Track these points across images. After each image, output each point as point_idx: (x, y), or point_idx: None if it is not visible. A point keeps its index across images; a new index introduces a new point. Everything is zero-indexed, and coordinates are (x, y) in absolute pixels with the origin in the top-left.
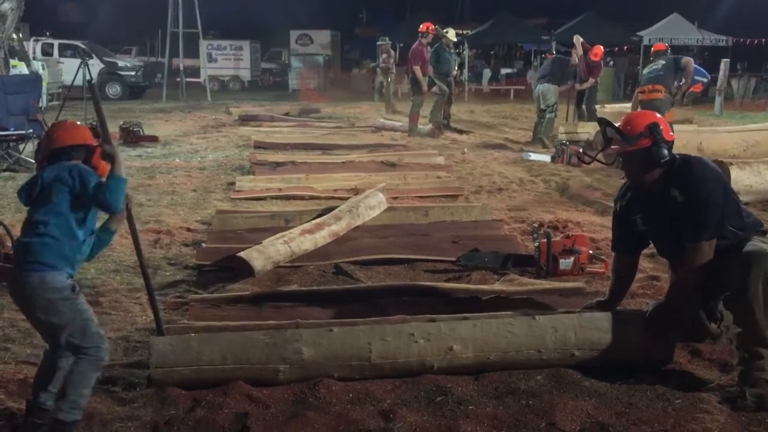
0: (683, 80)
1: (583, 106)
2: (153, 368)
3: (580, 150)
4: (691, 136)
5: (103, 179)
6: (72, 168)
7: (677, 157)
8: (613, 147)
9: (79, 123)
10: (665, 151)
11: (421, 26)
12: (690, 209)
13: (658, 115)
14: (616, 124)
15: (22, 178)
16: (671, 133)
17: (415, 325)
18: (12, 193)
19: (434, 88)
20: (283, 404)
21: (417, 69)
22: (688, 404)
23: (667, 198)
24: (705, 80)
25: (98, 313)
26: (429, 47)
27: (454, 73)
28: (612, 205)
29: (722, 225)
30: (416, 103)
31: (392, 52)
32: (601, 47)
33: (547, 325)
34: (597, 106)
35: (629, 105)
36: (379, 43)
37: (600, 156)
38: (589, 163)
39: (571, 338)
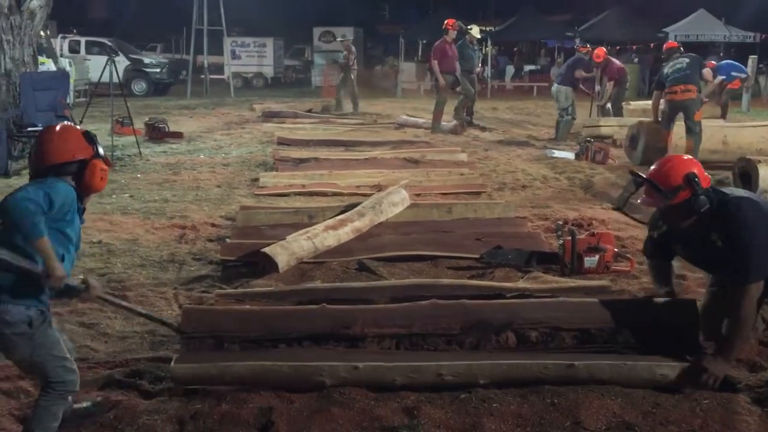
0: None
1: (608, 105)
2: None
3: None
4: (715, 130)
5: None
6: (40, 187)
7: (714, 200)
8: (646, 199)
9: (70, 126)
10: (704, 201)
11: (445, 23)
12: (732, 253)
13: (690, 159)
14: (649, 173)
15: None
16: (706, 176)
17: (446, 365)
18: None
19: (458, 88)
20: (307, 399)
21: (434, 63)
22: (717, 405)
23: (706, 241)
24: (743, 76)
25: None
26: (454, 44)
27: (477, 69)
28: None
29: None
30: (440, 101)
31: (353, 49)
32: (603, 48)
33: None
34: (623, 104)
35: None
36: (339, 39)
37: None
38: (621, 208)
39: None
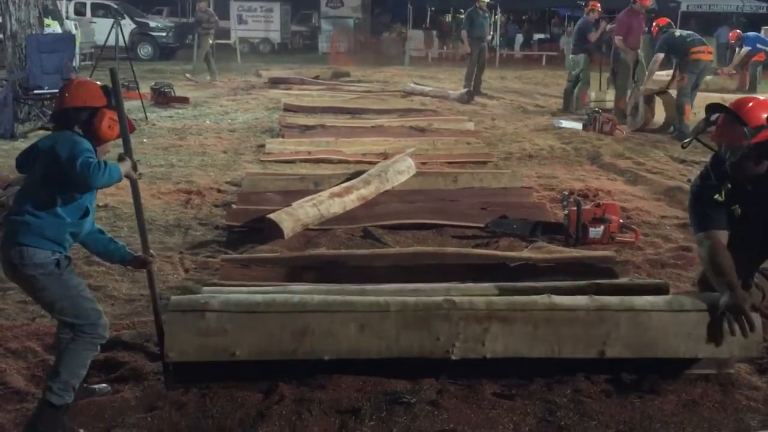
0: None
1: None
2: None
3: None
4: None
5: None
6: (68, 139)
7: None
8: (724, 134)
9: (88, 80)
10: None
11: None
12: None
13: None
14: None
15: None
16: None
17: (454, 287)
18: None
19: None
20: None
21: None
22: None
23: None
24: None
25: (131, 271)
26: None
27: (488, 37)
28: (644, 175)
29: None
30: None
31: (211, 12)
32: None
33: None
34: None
35: (665, 73)
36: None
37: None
38: (685, 147)
39: None
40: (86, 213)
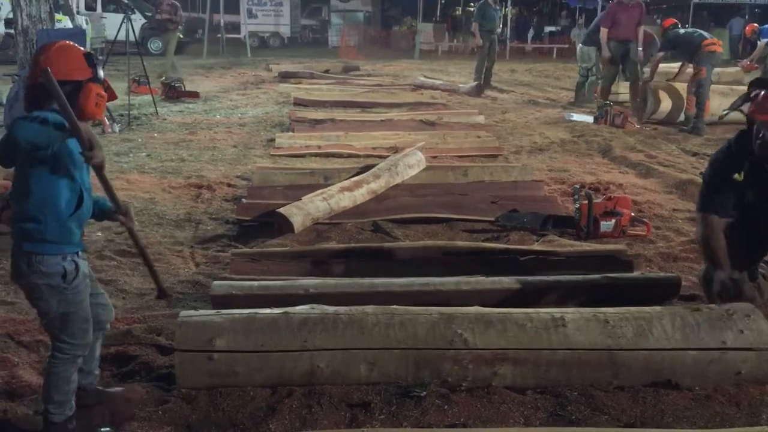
0: None
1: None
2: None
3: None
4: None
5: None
6: (34, 119)
7: None
8: (761, 107)
9: (70, 44)
10: None
11: None
12: None
13: None
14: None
15: None
16: None
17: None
18: None
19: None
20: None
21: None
22: None
23: None
24: None
25: (141, 265)
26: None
27: (498, 30)
28: (656, 168)
29: None
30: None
31: (176, 4)
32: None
33: None
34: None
35: (674, 65)
36: None
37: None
38: (721, 118)
39: None
40: (81, 199)
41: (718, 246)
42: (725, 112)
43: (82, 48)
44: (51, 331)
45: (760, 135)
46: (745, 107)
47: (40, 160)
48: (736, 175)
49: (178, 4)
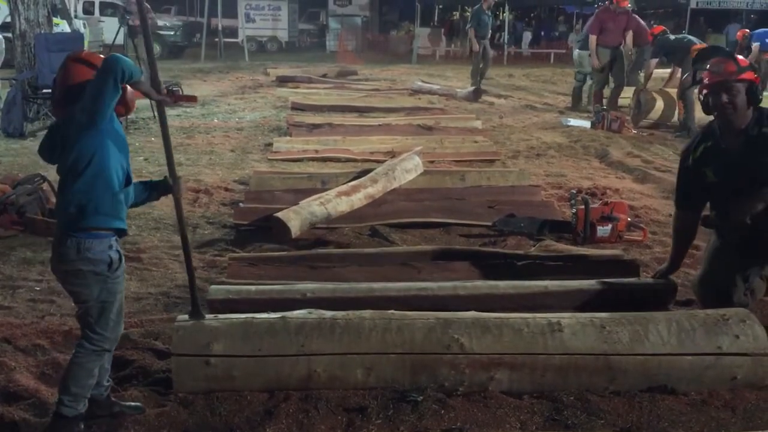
0: None
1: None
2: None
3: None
4: None
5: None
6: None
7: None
8: (718, 65)
9: (94, 53)
10: (760, 92)
11: None
12: None
13: None
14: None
15: None
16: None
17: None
18: None
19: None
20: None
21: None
22: None
23: (761, 139)
24: None
25: (139, 270)
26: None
27: (488, 35)
28: (653, 173)
29: None
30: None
31: (149, 8)
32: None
33: None
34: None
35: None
36: None
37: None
38: (687, 87)
39: None
40: (129, 179)
41: (673, 243)
42: (687, 86)
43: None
44: (86, 319)
45: (699, 135)
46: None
47: (101, 126)
48: (690, 157)
49: (147, 5)
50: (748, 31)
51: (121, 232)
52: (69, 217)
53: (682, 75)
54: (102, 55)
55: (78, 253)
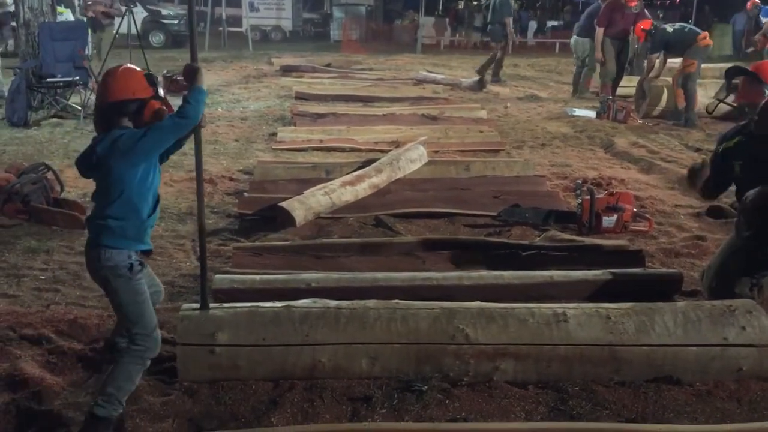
0: None
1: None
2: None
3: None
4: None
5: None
6: (120, 136)
7: None
8: (744, 94)
9: (132, 67)
10: None
11: None
12: None
13: None
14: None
15: (69, 124)
16: None
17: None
18: (60, 139)
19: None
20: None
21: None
22: None
23: None
24: None
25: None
26: None
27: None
28: (658, 163)
29: None
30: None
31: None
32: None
33: None
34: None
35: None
36: None
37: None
38: (711, 112)
39: None
40: (157, 199)
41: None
42: (713, 103)
43: (140, 69)
44: (128, 323)
45: (750, 117)
46: (731, 99)
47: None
48: (725, 143)
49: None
50: (758, 1)
51: (144, 253)
52: (97, 230)
53: (685, 62)
54: (138, 68)
55: (99, 261)
